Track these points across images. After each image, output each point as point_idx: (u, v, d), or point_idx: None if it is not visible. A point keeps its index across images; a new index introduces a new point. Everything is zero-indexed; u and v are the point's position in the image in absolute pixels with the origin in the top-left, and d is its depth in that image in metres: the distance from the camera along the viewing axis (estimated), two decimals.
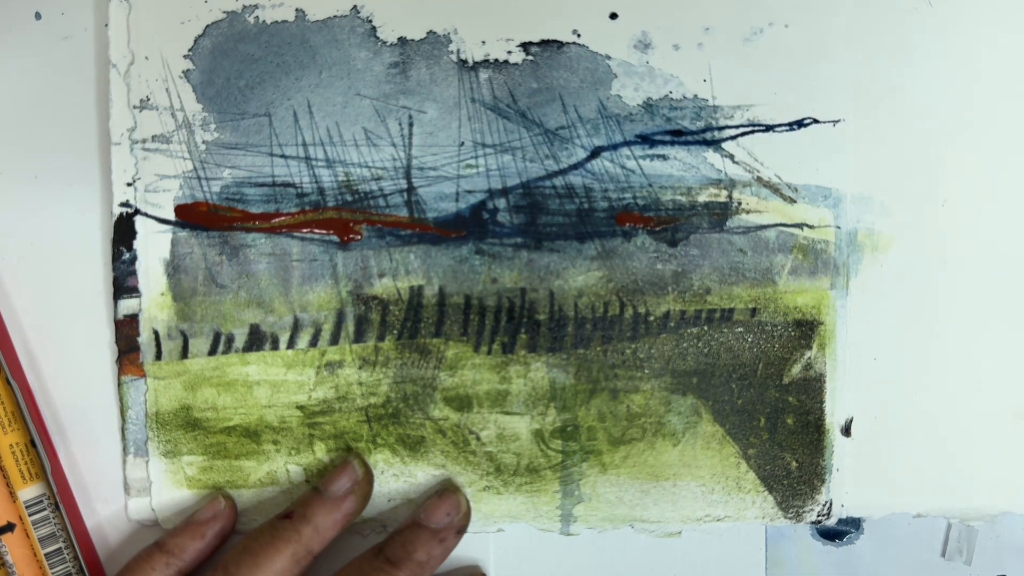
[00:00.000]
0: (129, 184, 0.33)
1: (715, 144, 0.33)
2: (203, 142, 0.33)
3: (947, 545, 0.34)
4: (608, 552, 0.34)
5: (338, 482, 0.32)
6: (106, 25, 0.33)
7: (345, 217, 0.33)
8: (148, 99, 0.33)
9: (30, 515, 0.33)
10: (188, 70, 0.33)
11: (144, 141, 0.33)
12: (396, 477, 0.33)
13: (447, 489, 0.33)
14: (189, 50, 0.33)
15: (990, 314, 0.33)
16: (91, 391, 0.33)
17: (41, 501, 0.33)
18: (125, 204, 0.33)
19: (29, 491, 0.32)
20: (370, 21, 0.33)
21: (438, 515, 0.32)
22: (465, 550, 0.34)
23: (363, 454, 0.33)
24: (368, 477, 0.32)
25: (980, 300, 0.33)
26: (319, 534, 0.30)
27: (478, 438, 0.33)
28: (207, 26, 0.33)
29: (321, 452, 0.33)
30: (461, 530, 0.32)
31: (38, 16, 0.33)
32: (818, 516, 0.33)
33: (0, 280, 0.34)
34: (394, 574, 0.30)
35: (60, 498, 0.33)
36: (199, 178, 0.33)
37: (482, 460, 0.33)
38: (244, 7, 0.32)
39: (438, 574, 0.33)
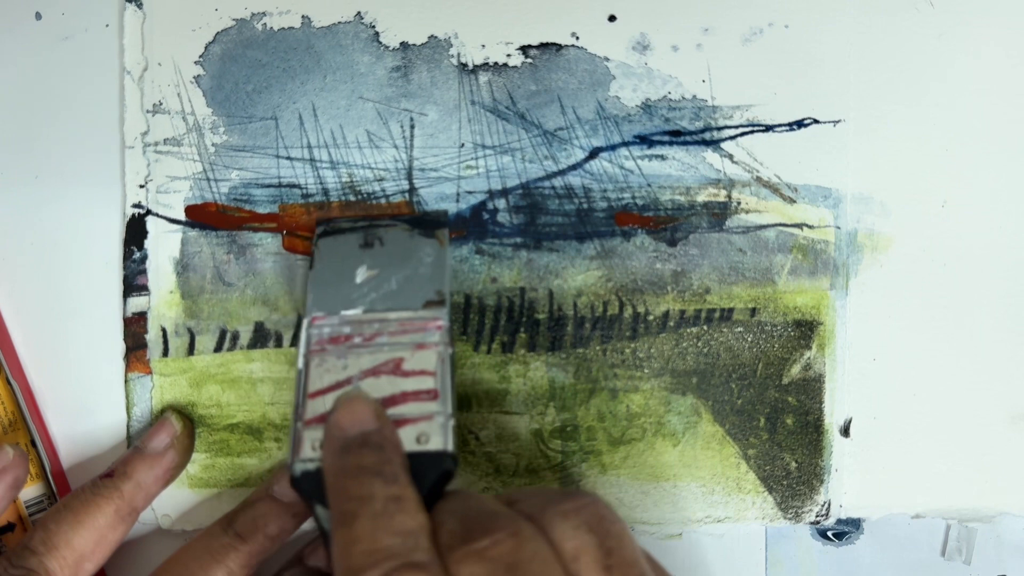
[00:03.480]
0: (141, 186, 0.32)
1: (714, 144, 0.31)
2: (212, 145, 0.32)
3: (947, 545, 0.33)
4: None
5: (156, 438, 0.30)
6: (107, 25, 0.32)
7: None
8: (160, 104, 0.32)
9: (30, 515, 0.31)
10: (199, 75, 0.32)
11: (156, 144, 0.32)
12: None
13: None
14: (200, 56, 0.32)
15: (989, 315, 0.32)
16: (96, 389, 0.32)
17: (41, 501, 0.32)
18: (137, 205, 0.32)
19: (29, 491, 0.31)
20: (373, 27, 0.32)
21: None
22: None
23: None
24: (187, 431, 0.31)
25: (979, 301, 0.32)
26: (141, 489, 0.29)
27: (477, 438, 0.32)
28: (217, 33, 0.32)
29: None
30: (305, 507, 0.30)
31: (38, 16, 0.32)
32: (817, 516, 0.32)
33: (8, 279, 0.32)
34: (243, 549, 0.28)
35: (60, 498, 0.32)
36: (208, 179, 0.32)
37: (481, 460, 0.32)
38: (252, 14, 0.32)
39: None
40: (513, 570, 0.21)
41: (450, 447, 0.25)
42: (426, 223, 0.30)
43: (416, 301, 0.27)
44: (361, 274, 0.28)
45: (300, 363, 0.27)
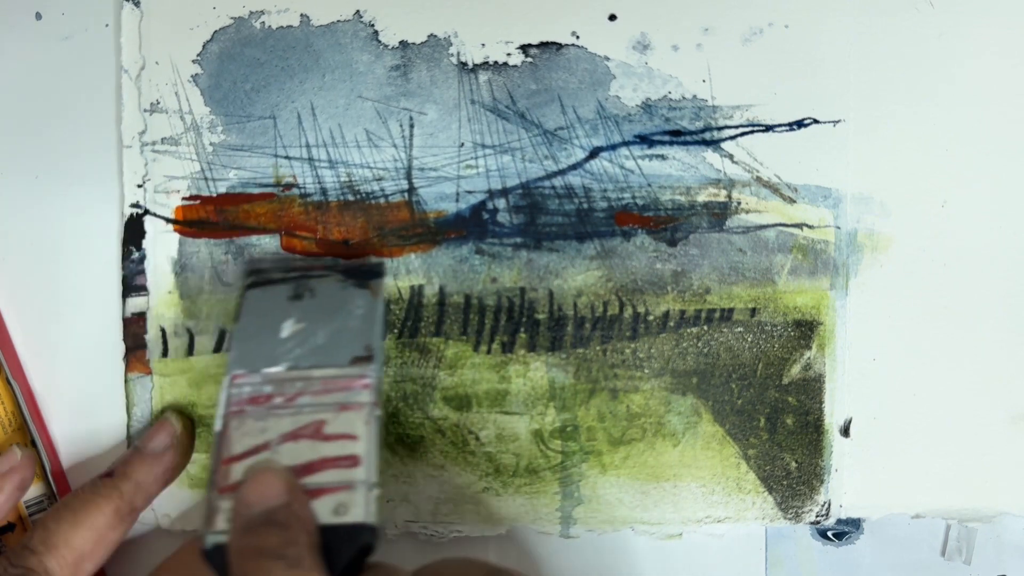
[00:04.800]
0: (139, 185, 0.32)
1: (714, 144, 0.31)
2: (210, 144, 0.32)
3: (947, 545, 0.33)
4: (609, 554, 0.32)
5: (157, 438, 0.30)
6: (107, 25, 0.32)
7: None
8: (158, 103, 0.32)
9: (30, 515, 0.31)
10: (197, 74, 0.32)
11: (154, 143, 0.32)
12: (395, 477, 0.32)
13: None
14: (198, 55, 0.32)
15: (989, 315, 0.32)
16: (96, 389, 0.32)
17: (41, 501, 0.32)
18: (135, 205, 0.32)
19: (29, 491, 0.31)
20: (372, 25, 0.31)
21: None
22: (465, 553, 0.32)
23: None
24: (187, 431, 0.31)
25: (979, 301, 0.32)
26: (141, 490, 0.29)
27: (477, 438, 0.32)
28: (215, 31, 0.32)
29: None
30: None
31: (38, 16, 0.32)
32: (817, 516, 0.32)
33: (8, 279, 0.32)
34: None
35: (60, 498, 0.32)
36: (206, 179, 0.32)
37: (481, 460, 0.32)
38: (251, 13, 0.31)
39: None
40: None
41: (371, 519, 0.23)
42: (362, 273, 0.28)
43: (343, 357, 0.26)
44: (287, 328, 0.26)
45: (218, 424, 0.25)
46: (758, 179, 0.31)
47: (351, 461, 0.24)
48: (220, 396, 0.25)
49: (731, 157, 0.31)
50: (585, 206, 0.31)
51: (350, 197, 0.31)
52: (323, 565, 0.22)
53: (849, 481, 0.31)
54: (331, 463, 0.24)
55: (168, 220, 0.31)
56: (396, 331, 0.31)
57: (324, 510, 0.23)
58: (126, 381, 0.32)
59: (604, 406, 0.31)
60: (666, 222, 0.31)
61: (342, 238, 0.31)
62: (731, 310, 0.31)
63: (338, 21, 0.31)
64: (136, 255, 0.32)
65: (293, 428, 0.24)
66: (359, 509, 0.23)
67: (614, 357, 0.31)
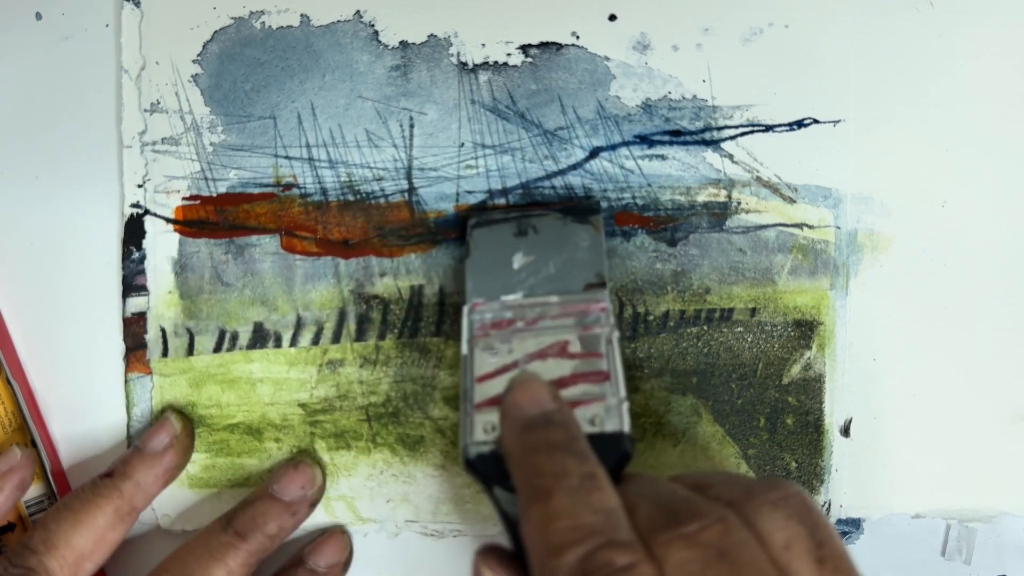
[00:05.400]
0: (139, 185, 0.32)
1: (714, 144, 0.31)
2: (210, 144, 0.32)
3: (947, 545, 0.32)
4: None
5: (156, 438, 0.30)
6: (107, 25, 0.32)
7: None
8: (158, 103, 0.32)
9: (31, 515, 0.31)
10: (197, 74, 0.32)
11: (154, 143, 0.32)
12: (395, 477, 0.32)
13: (302, 461, 0.30)
14: (198, 55, 0.32)
15: (990, 315, 0.31)
16: (96, 389, 0.32)
17: (41, 501, 0.32)
18: (135, 205, 0.32)
19: (29, 491, 0.31)
20: (372, 25, 0.31)
21: (292, 488, 0.30)
22: (465, 553, 0.32)
23: (361, 453, 0.31)
24: (187, 431, 0.31)
25: (980, 301, 0.31)
26: (141, 489, 0.29)
27: None
28: (215, 32, 0.32)
29: (322, 450, 0.32)
30: (314, 503, 0.30)
31: (39, 16, 0.32)
32: None
33: (8, 279, 0.32)
34: (242, 548, 0.28)
35: (60, 498, 0.32)
36: (206, 179, 0.32)
37: None
38: (251, 13, 0.31)
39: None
40: (724, 556, 0.20)
41: (626, 428, 0.25)
42: (578, 211, 0.29)
43: (576, 284, 0.28)
44: (518, 260, 0.28)
45: (464, 348, 0.27)
46: (758, 179, 0.31)
47: (600, 376, 0.26)
48: (462, 323, 0.27)
49: (731, 157, 0.31)
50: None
51: (350, 197, 0.31)
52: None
53: (849, 481, 0.31)
54: (581, 378, 0.26)
55: (168, 220, 0.31)
56: (396, 331, 0.31)
57: (581, 421, 0.25)
58: (126, 381, 0.32)
59: None
60: (666, 222, 0.31)
61: (342, 238, 0.31)
62: (731, 310, 0.31)
63: (338, 21, 0.31)
64: (136, 255, 0.32)
65: (538, 348, 0.26)
66: (615, 419, 0.25)
67: None
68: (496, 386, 0.26)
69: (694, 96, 0.31)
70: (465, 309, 0.27)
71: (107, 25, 0.31)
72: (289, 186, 0.31)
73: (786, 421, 0.31)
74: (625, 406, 0.25)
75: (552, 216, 0.29)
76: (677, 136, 0.31)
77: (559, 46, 0.31)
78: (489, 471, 0.25)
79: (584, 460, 0.23)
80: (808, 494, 0.23)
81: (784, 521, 0.22)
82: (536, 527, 0.22)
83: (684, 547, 0.21)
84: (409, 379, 0.31)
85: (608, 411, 0.25)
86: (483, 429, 0.25)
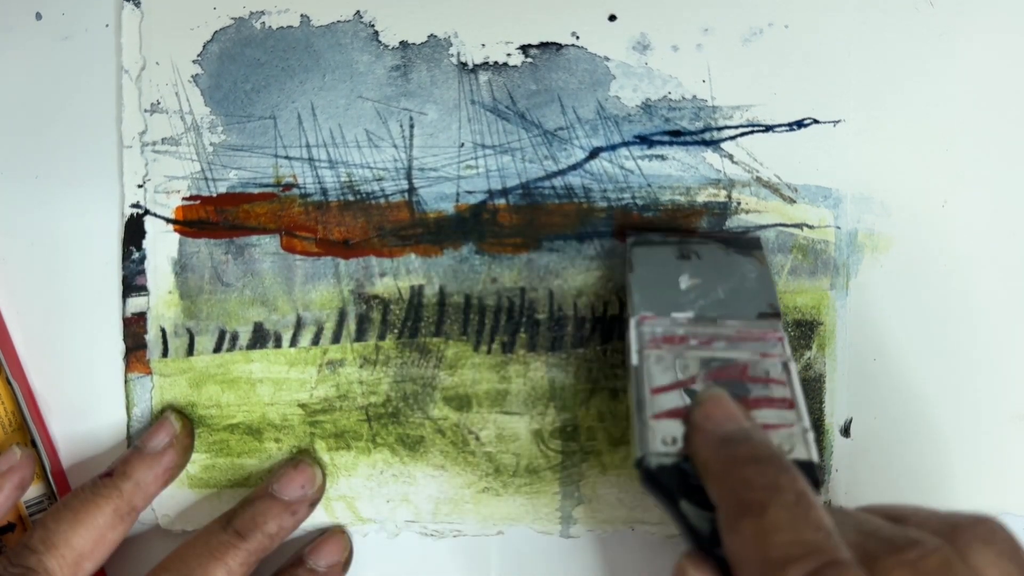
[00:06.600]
0: (140, 186, 0.32)
1: (714, 144, 0.31)
2: (211, 144, 0.32)
3: None
4: (609, 554, 0.32)
5: (156, 437, 0.30)
6: (107, 25, 0.32)
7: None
8: (158, 103, 0.32)
9: (30, 515, 0.31)
10: (197, 74, 0.32)
11: (154, 144, 0.32)
12: (395, 477, 0.32)
13: (302, 461, 0.30)
14: (198, 55, 0.31)
15: (990, 315, 0.31)
16: (96, 389, 0.32)
17: (41, 501, 0.31)
18: (136, 205, 0.32)
19: (29, 491, 0.31)
20: (372, 26, 0.31)
21: (292, 488, 0.30)
22: (465, 553, 0.32)
23: (360, 453, 0.31)
24: (187, 431, 0.31)
25: (980, 301, 0.31)
26: (141, 489, 0.29)
27: (477, 438, 0.32)
28: (215, 32, 0.31)
29: (322, 451, 0.32)
30: (314, 503, 0.30)
31: (39, 16, 0.32)
32: None
33: (8, 279, 0.32)
34: (242, 547, 0.28)
35: (60, 498, 0.32)
36: (206, 179, 0.32)
37: (481, 460, 0.31)
38: (251, 13, 0.31)
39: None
40: None
41: (815, 457, 0.24)
42: (740, 243, 0.30)
43: (749, 312, 0.27)
44: (684, 281, 0.28)
45: (635, 359, 0.26)
46: (758, 179, 0.31)
47: (785, 403, 0.25)
48: (629, 334, 0.27)
49: (731, 157, 0.31)
50: (585, 206, 0.31)
51: (350, 197, 0.31)
52: None
53: (849, 481, 0.31)
54: (764, 403, 0.25)
55: (168, 220, 0.31)
56: (396, 331, 0.31)
57: None
58: (126, 381, 0.32)
59: (604, 406, 0.31)
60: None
61: (342, 238, 0.31)
62: None
63: (338, 21, 0.31)
64: (136, 255, 0.32)
65: (717, 367, 0.26)
66: (803, 447, 0.24)
67: (614, 357, 0.31)
68: (673, 399, 0.25)
69: (694, 96, 0.31)
70: (632, 321, 0.27)
71: (107, 25, 0.31)
72: (289, 186, 0.31)
73: None
74: (811, 435, 0.25)
75: (714, 244, 0.29)
76: (677, 136, 0.31)
77: (559, 46, 0.31)
78: (672, 483, 0.24)
79: (796, 477, 0.22)
80: (1013, 530, 0.22)
81: (995, 558, 0.21)
82: (751, 542, 0.21)
83: (908, 573, 0.20)
84: (409, 379, 0.31)
85: (794, 439, 0.25)
86: (662, 441, 0.25)
